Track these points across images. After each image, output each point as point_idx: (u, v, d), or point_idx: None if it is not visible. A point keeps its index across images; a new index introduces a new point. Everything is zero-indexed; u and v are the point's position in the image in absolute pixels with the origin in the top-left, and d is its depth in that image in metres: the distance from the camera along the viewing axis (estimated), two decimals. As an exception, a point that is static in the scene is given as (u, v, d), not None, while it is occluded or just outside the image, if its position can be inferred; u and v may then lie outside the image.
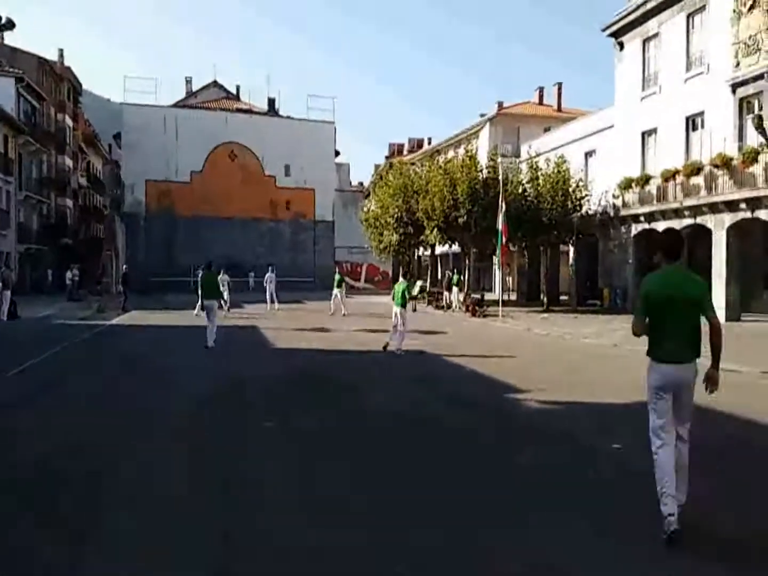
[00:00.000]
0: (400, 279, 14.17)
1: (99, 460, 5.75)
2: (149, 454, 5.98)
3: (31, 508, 4.59)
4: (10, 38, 37.98)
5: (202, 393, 9.00)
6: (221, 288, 22.35)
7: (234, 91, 53.63)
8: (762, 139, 15.78)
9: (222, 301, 21.44)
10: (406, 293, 13.21)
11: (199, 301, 15.63)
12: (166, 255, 42.05)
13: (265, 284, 25.84)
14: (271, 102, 49.41)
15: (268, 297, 25.19)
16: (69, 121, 46.31)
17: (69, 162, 46.70)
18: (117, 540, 4.06)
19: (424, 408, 8.24)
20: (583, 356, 13.22)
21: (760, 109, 19.10)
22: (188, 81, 54.26)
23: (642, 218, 24.10)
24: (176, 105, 48.25)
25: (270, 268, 25.84)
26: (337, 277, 23.73)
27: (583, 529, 4.24)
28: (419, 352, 13.61)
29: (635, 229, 24.79)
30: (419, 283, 31.40)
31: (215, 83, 54.09)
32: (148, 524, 4.29)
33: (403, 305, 13.06)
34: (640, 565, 3.72)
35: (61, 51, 45.41)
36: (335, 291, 23.27)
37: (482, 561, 3.78)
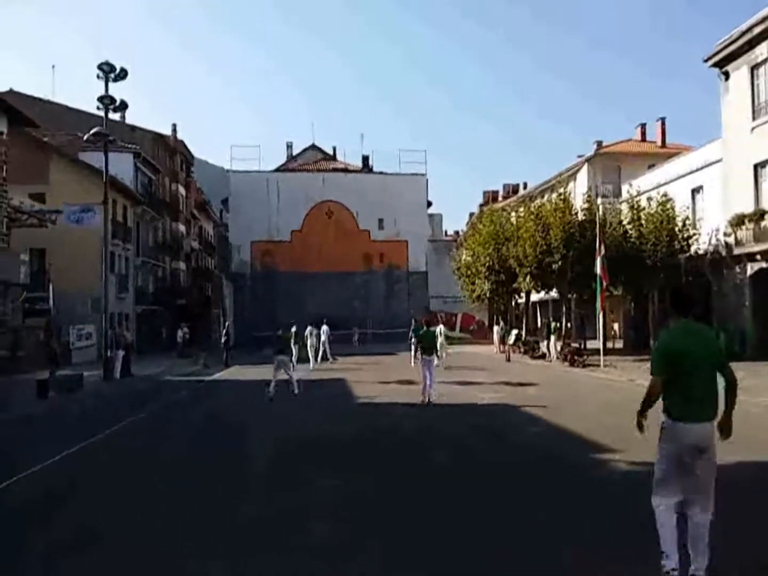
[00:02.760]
0: (431, 326, 14.54)
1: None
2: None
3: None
4: (131, 117, 42.10)
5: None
6: (316, 340, 23.28)
7: (330, 152, 56.06)
8: None
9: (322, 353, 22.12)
10: (433, 340, 13.75)
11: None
12: (269, 311, 43.72)
13: (322, 337, 25.25)
14: (365, 159, 51.06)
15: (321, 351, 25.02)
16: (182, 190, 50.23)
17: (182, 228, 50.38)
18: None
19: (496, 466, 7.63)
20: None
21: None
22: (289, 146, 57.49)
23: (758, 257, 22.01)
24: (278, 169, 51.03)
25: (324, 321, 26.16)
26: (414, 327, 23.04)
27: None
28: (505, 404, 12.88)
29: (751, 268, 22.65)
30: (514, 331, 30.37)
31: (313, 146, 56.86)
32: None
33: (435, 353, 13.75)
34: None
35: (174, 126, 49.79)
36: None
37: None
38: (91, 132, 19.24)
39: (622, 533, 5.16)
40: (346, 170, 49.87)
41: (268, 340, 38.42)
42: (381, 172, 48.69)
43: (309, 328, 24.05)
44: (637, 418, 4.01)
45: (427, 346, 13.39)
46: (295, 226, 46.49)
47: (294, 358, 20.53)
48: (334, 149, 56.11)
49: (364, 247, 46.32)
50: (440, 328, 23.06)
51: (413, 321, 25.28)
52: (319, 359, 24.63)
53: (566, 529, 5.40)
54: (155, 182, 43.49)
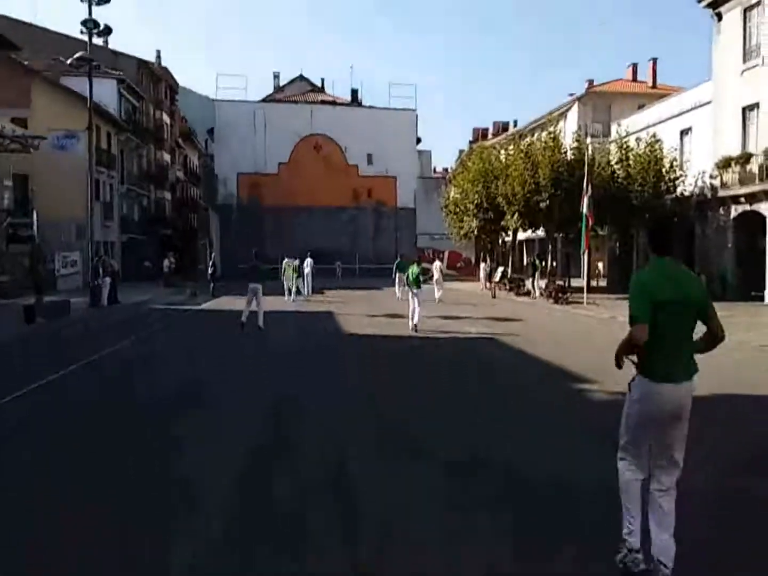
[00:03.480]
0: (414, 264, 15.21)
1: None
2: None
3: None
4: (114, 41, 40.56)
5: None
6: (305, 274, 23.55)
7: (319, 83, 54.64)
8: None
9: (303, 288, 22.60)
10: (420, 277, 14.65)
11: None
12: (255, 244, 43.51)
13: (305, 270, 25.34)
14: (354, 92, 49.98)
15: (305, 286, 25.00)
16: (166, 118, 48.96)
17: (167, 157, 49.42)
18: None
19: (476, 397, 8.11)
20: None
21: None
22: (276, 76, 55.89)
23: (742, 199, 22.36)
24: (265, 100, 49.78)
25: (308, 253, 26.44)
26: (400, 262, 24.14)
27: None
28: (489, 338, 13.37)
29: (735, 211, 23.04)
30: (500, 269, 30.78)
31: (301, 77, 55.33)
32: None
33: (418, 286, 14.40)
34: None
35: (158, 52, 48.14)
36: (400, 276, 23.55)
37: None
38: (75, 57, 18.62)
39: (596, 445, 5.64)
40: (334, 103, 48.81)
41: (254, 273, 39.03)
42: (370, 106, 47.74)
43: (286, 260, 24.38)
44: (616, 361, 3.32)
45: (413, 281, 14.53)
46: (282, 158, 45.84)
47: (303, 287, 22.06)
48: (323, 81, 54.91)
49: (353, 183, 45.98)
50: (437, 264, 24.89)
51: (399, 257, 25.80)
52: (307, 291, 24.93)
53: (544, 440, 5.87)
54: (139, 110, 42.33)
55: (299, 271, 23.94)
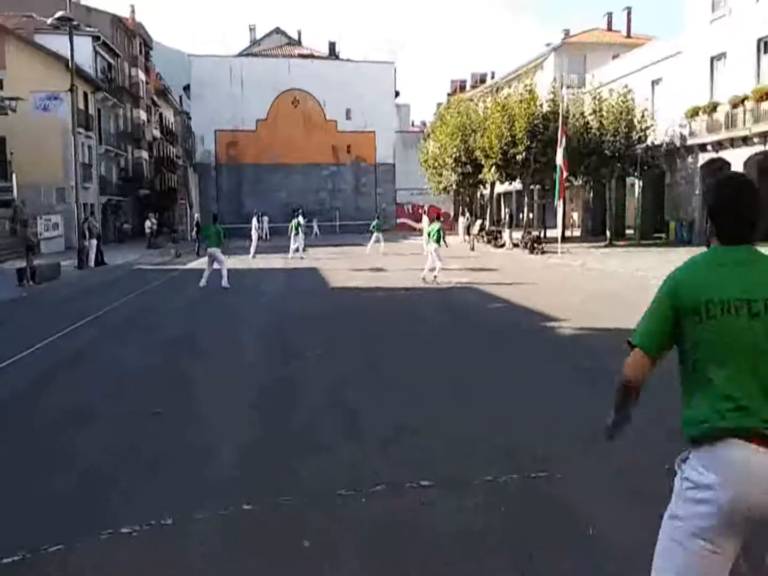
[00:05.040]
0: (433, 222, 15.86)
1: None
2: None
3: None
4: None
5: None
6: (298, 232, 23.89)
7: (296, 36, 53.71)
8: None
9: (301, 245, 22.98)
10: (440, 233, 15.05)
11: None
12: (235, 202, 43.79)
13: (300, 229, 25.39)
14: (332, 46, 49.29)
15: (296, 243, 24.68)
16: (142, 76, 48.11)
17: (143, 115, 48.75)
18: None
19: (449, 333, 9.02)
20: (627, 288, 13.49)
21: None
22: (252, 29, 54.65)
23: (709, 147, 23.24)
24: (241, 54, 48.97)
25: (299, 212, 27.36)
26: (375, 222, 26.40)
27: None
28: (468, 287, 14.28)
29: (702, 158, 23.95)
30: (479, 222, 31.59)
31: (277, 30, 54.26)
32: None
33: (437, 242, 14.94)
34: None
35: (132, 7, 46.81)
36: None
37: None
38: (56, 16, 18.51)
39: (566, 373, 6.60)
40: (312, 57, 48.16)
41: (236, 233, 39.31)
42: (348, 59, 47.27)
43: (255, 219, 25.16)
44: (608, 425, 2.20)
45: (435, 238, 15.13)
46: (260, 114, 45.47)
47: (299, 245, 23.17)
48: (299, 34, 53.88)
49: (332, 139, 45.89)
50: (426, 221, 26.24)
51: (377, 216, 27.84)
52: (300, 250, 24.39)
53: (522, 369, 6.80)
54: (115, 67, 41.60)
55: (297, 230, 23.84)
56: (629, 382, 2.04)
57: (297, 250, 23.58)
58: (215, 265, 14.90)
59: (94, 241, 22.42)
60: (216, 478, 4.17)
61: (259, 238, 26.45)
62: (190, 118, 51.34)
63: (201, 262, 23.48)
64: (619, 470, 4.04)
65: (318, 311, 11.45)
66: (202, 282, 14.58)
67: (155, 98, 53.92)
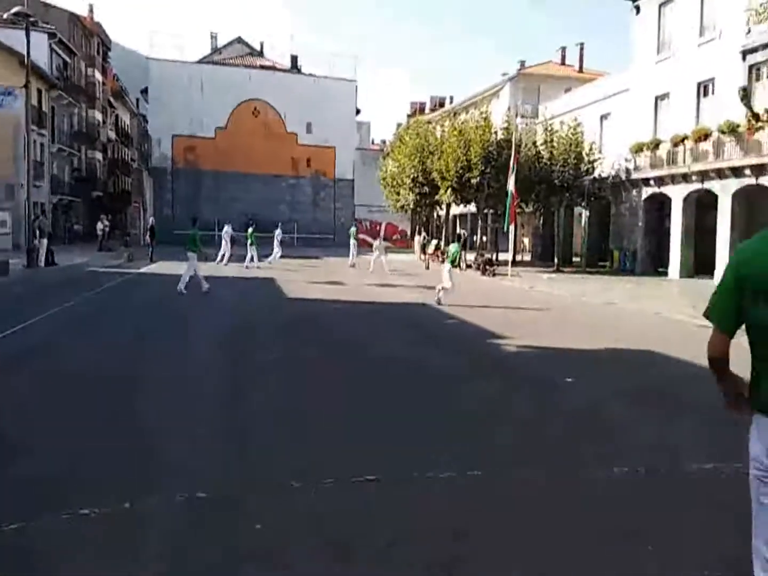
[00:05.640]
0: (455, 242, 15.70)
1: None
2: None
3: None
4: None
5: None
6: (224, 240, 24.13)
7: (258, 47, 53.85)
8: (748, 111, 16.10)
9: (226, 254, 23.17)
10: (457, 254, 15.07)
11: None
12: (191, 209, 43.28)
13: (276, 239, 26.68)
14: (294, 59, 49.67)
15: (274, 253, 26.20)
16: (99, 76, 47.32)
17: (99, 116, 47.88)
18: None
19: (414, 348, 9.43)
20: (572, 312, 14.23)
21: (768, 77, 19.40)
22: (213, 37, 54.50)
23: (652, 182, 24.58)
24: (201, 61, 48.79)
25: (278, 225, 27.70)
26: (353, 229, 27.61)
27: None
28: (421, 303, 14.76)
29: (645, 192, 25.29)
30: (434, 242, 32.30)
31: (239, 39, 54.31)
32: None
33: (452, 263, 14.83)
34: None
35: (90, 6, 46.15)
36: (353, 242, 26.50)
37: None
38: (12, 11, 18.25)
39: (508, 382, 7.09)
40: (274, 68, 48.44)
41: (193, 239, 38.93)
42: (311, 74, 47.73)
43: (225, 227, 25.23)
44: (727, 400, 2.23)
45: (453, 259, 15.12)
46: (219, 122, 45.34)
47: (254, 256, 23.19)
48: (262, 45, 54.00)
49: (291, 151, 46.12)
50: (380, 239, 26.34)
51: (354, 225, 29.53)
52: (255, 260, 24.84)
53: (469, 379, 7.24)
54: (71, 66, 40.83)
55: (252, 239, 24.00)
56: (712, 360, 2.16)
57: (252, 259, 23.70)
58: (189, 269, 15.30)
59: (45, 241, 21.97)
60: (170, 469, 4.39)
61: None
62: (146, 122, 50.73)
63: (154, 267, 23.41)
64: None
65: (271, 321, 11.67)
66: (204, 287, 14.99)
67: (112, 99, 53.04)
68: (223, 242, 24.96)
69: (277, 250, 26.33)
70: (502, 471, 4.52)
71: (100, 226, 33.00)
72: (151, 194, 46.07)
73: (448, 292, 14.41)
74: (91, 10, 45.96)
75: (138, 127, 62.15)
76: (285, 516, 3.71)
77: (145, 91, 48.34)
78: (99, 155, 48.46)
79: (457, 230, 41.46)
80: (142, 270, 22.28)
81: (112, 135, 54.22)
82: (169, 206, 44.18)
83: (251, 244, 23.51)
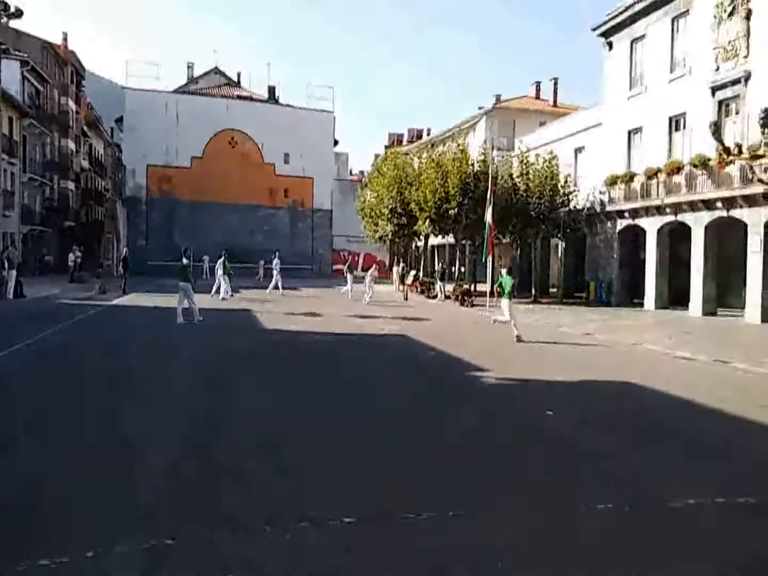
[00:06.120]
0: (505, 274, 14.61)
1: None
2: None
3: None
4: (15, 22, 38.46)
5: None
6: (219, 272, 23.72)
7: (235, 78, 54.16)
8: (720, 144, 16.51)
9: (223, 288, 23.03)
10: (513, 288, 14.26)
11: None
12: (166, 239, 42.83)
13: (273, 269, 27.30)
14: (272, 90, 49.98)
15: (274, 282, 26.79)
16: (72, 105, 46.91)
17: (72, 145, 47.35)
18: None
19: (386, 377, 9.19)
20: (552, 343, 14.13)
21: (737, 112, 19.92)
22: (190, 67, 54.75)
23: (626, 214, 24.91)
24: (177, 90, 48.80)
25: (275, 254, 27.74)
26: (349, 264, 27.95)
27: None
28: (400, 335, 14.54)
29: (620, 224, 25.60)
30: (413, 272, 32.26)
31: (216, 70, 54.59)
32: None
33: (509, 297, 14.10)
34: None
35: (65, 35, 45.96)
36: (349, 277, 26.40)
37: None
38: (-15, 39, 17.95)
39: (489, 416, 6.88)
40: (251, 99, 48.65)
41: (167, 270, 38.23)
42: (288, 105, 48.01)
43: (219, 261, 24.51)
44: None
45: (508, 292, 14.24)
46: (195, 152, 45.18)
47: (227, 287, 23.05)
48: (239, 75, 54.45)
49: (269, 181, 46.07)
50: (371, 271, 26.78)
51: (350, 259, 30.49)
52: (273, 288, 26.50)
53: (449, 413, 7.02)
54: (43, 94, 40.45)
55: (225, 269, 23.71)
56: None
57: (227, 291, 23.33)
58: (181, 300, 15.39)
59: (14, 272, 21.38)
60: (138, 511, 4.10)
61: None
62: (121, 151, 50.33)
63: (127, 299, 22.87)
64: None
65: (248, 354, 11.34)
66: (197, 317, 15.17)
67: (85, 128, 52.58)
68: (218, 273, 24.25)
69: (278, 279, 26.71)
70: (485, 510, 4.35)
71: (71, 257, 32.29)
72: (124, 224, 45.43)
73: (505, 323, 14.17)
74: (65, 39, 45.73)
75: (112, 157, 61.66)
76: (257, 564, 3.48)
77: (119, 121, 48.07)
78: (72, 185, 47.79)
79: (437, 262, 41.71)
80: (115, 302, 21.73)
81: (86, 164, 53.61)
82: (143, 237, 43.60)
83: (223, 274, 23.23)
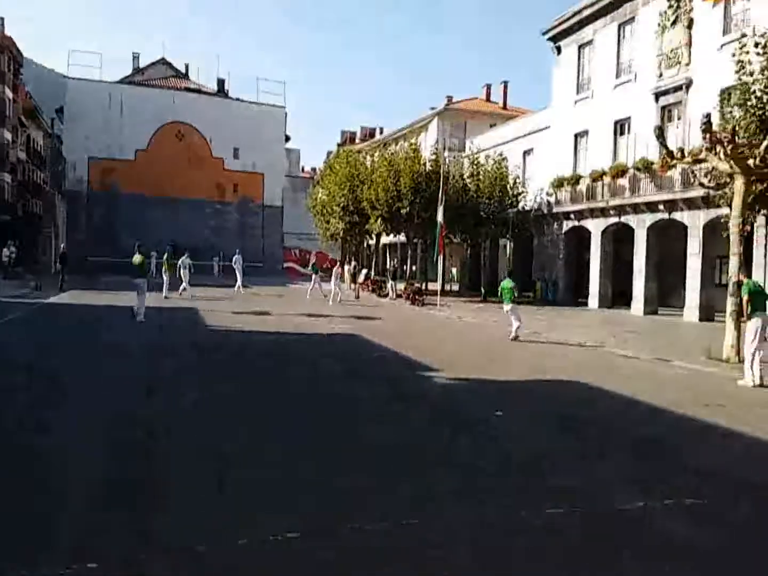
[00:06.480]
0: (507, 278, 14.70)
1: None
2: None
3: None
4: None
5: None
6: (183, 270, 23.03)
7: (183, 70, 52.67)
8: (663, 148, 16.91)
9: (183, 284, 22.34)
10: (513, 291, 14.11)
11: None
12: (108, 235, 41.27)
13: (234, 266, 26.78)
14: (221, 83, 48.84)
15: (240, 280, 26.29)
16: (9, 93, 44.57)
17: (8, 135, 44.97)
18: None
19: (334, 379, 9.00)
20: (499, 342, 14.21)
21: (679, 118, 20.60)
22: (135, 57, 52.82)
23: (572, 216, 25.44)
24: (122, 81, 47.12)
25: (237, 251, 27.38)
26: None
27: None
28: (350, 335, 14.35)
29: (566, 225, 26.14)
30: (364, 271, 32.13)
31: (163, 61, 52.87)
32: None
33: (512, 301, 14.00)
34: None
35: (1, 19, 43.66)
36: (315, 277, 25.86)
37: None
38: None
39: (438, 418, 6.77)
40: (199, 91, 47.39)
41: (109, 267, 36.90)
42: (238, 99, 47.01)
43: (183, 258, 23.73)
44: None
45: (506, 296, 14.22)
46: (140, 145, 43.66)
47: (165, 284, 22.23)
48: (187, 67, 52.88)
49: (217, 176, 44.96)
50: (337, 270, 25.72)
51: (314, 258, 29.19)
52: (238, 287, 25.95)
53: (396, 415, 6.88)
54: (-24, 81, 38.26)
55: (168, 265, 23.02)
56: None
57: (184, 287, 22.76)
58: (141, 296, 14.92)
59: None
60: (60, 534, 3.77)
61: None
62: (61, 143, 48.26)
63: (64, 297, 21.83)
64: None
65: (190, 354, 10.94)
66: (140, 317, 14.63)
67: (23, 118, 50.10)
68: (182, 270, 23.41)
69: (239, 277, 26.21)
70: (435, 517, 4.22)
71: (6, 252, 30.77)
72: (64, 219, 43.56)
73: (521, 327, 14.03)
74: (1, 24, 43.46)
75: (52, 149, 59.03)
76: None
77: (60, 111, 46.05)
78: (8, 177, 45.39)
79: (388, 261, 41.74)
80: (51, 300, 20.71)
81: (23, 156, 51.08)
82: (83, 232, 41.85)
83: (166, 271, 22.53)
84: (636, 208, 21.99)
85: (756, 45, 12.15)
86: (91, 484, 4.63)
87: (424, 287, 29.79)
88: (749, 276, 10.35)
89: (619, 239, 23.93)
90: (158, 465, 5.18)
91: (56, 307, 18.94)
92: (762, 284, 10.98)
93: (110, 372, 9.10)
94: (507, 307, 14.18)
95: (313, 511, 4.26)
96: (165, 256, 23.20)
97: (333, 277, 24.61)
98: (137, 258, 15.37)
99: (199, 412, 6.97)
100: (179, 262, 23.57)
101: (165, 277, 22.53)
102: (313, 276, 25.96)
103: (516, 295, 14.36)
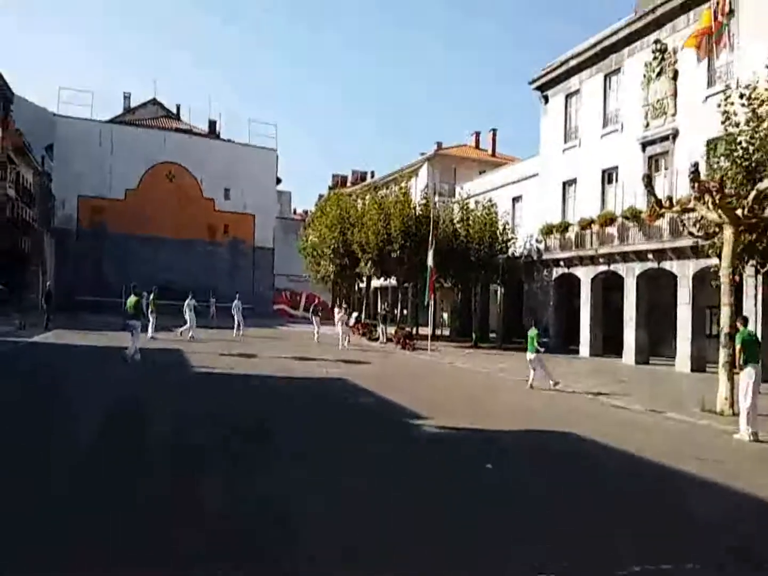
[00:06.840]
0: (532, 326, 14.69)
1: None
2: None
3: None
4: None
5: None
6: (189, 313, 22.73)
7: (174, 110, 53.27)
8: (651, 197, 17.19)
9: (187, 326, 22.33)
10: (536, 340, 14.04)
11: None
12: (96, 274, 40.94)
13: (232, 311, 26.35)
14: (212, 124, 49.35)
15: (235, 323, 25.87)
16: (-1, 130, 44.76)
17: (-3, 172, 44.99)
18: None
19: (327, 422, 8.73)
20: (490, 389, 14.03)
21: (666, 168, 20.97)
22: (126, 97, 53.36)
23: (562, 263, 25.55)
24: (113, 120, 47.50)
25: (237, 296, 27.07)
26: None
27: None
28: (338, 378, 14.10)
29: (556, 272, 26.22)
30: (355, 314, 31.89)
31: (154, 101, 53.48)
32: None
33: (536, 351, 14.00)
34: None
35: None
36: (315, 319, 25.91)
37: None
38: None
39: (425, 469, 6.54)
40: (191, 132, 47.81)
41: (96, 306, 36.40)
42: (229, 140, 47.49)
43: (188, 299, 23.52)
44: None
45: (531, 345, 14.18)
46: (130, 184, 43.73)
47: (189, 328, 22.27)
48: (178, 108, 53.42)
49: (208, 217, 44.97)
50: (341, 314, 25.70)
51: (316, 300, 29.47)
52: (236, 331, 25.58)
53: (383, 464, 6.63)
54: (-33, 118, 38.40)
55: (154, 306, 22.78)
56: None
57: (149, 329, 22.31)
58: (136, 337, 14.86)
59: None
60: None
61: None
62: (51, 181, 48.27)
63: (49, 336, 21.40)
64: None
65: (176, 404, 10.62)
66: (137, 357, 14.48)
67: (12, 155, 50.19)
68: (187, 313, 23.14)
69: (240, 320, 25.79)
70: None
71: (-10, 289, 30.27)
72: (51, 257, 43.19)
73: (547, 375, 13.96)
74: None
75: (41, 186, 59.03)
76: None
77: (50, 148, 46.22)
78: (-3, 214, 45.17)
79: (379, 304, 41.55)
80: (35, 339, 20.29)
81: (12, 193, 50.94)
82: (71, 270, 41.48)
83: (153, 312, 22.27)
84: (625, 257, 22.13)
85: (741, 96, 12.44)
86: (52, 529, 4.33)
87: (414, 331, 29.63)
88: (745, 324, 10.27)
89: (609, 287, 24.01)
90: (129, 509, 4.89)
91: (39, 347, 18.53)
92: (755, 333, 10.93)
93: (84, 414, 8.78)
94: (531, 356, 14.12)
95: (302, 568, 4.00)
96: (151, 297, 22.95)
97: (338, 323, 24.48)
98: (132, 299, 15.23)
99: (175, 461, 6.67)
100: (185, 304, 23.40)
101: (151, 318, 22.23)
102: (314, 318, 25.97)
103: (537, 342, 14.25)
